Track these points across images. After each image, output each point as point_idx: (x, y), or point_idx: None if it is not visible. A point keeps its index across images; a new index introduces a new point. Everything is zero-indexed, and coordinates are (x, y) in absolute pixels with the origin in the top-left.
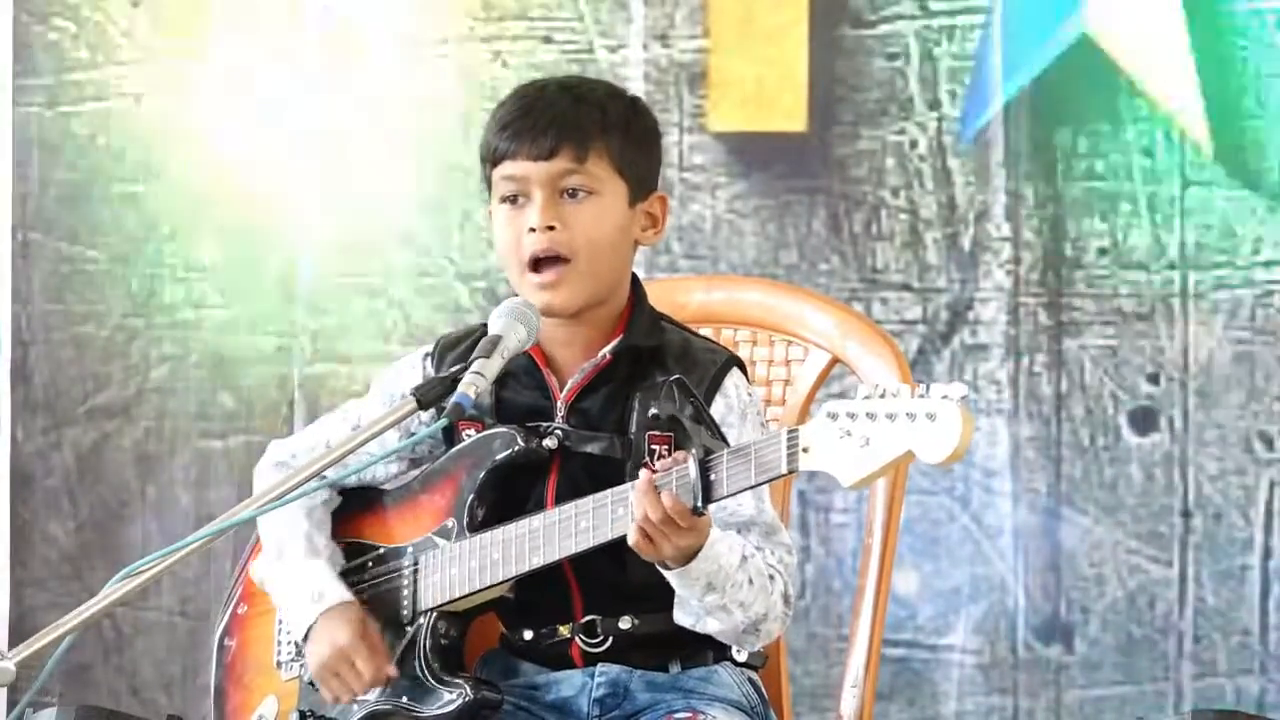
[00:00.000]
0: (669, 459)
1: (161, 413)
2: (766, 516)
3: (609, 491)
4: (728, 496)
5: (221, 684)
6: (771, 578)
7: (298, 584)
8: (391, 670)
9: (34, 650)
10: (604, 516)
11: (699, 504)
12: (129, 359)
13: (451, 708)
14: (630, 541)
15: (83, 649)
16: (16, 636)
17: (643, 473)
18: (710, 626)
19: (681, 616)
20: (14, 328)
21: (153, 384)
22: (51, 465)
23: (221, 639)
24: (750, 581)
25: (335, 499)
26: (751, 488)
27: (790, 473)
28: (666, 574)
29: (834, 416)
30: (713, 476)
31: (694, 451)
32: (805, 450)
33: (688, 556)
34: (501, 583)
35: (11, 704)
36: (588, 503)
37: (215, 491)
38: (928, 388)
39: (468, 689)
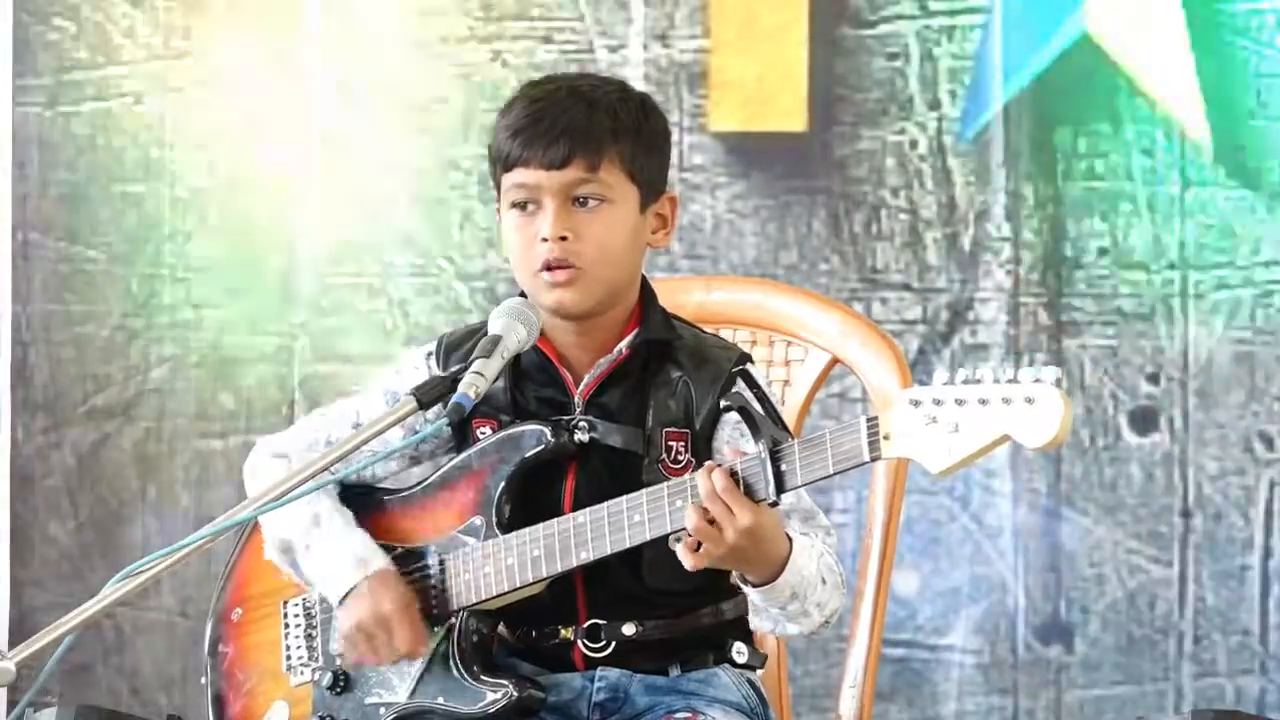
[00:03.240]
0: (732, 452)
1: (161, 413)
2: (805, 503)
3: (664, 484)
4: (803, 486)
5: (220, 691)
6: (830, 568)
7: (340, 549)
8: (422, 650)
9: (34, 650)
10: (660, 509)
11: (771, 493)
12: (129, 359)
13: (497, 707)
14: (690, 526)
15: (83, 649)
16: (16, 636)
17: (708, 463)
18: (789, 630)
19: (759, 624)
20: (14, 328)
21: (153, 384)
22: (51, 465)
23: (214, 645)
24: (824, 581)
25: (334, 487)
26: (829, 476)
27: (872, 460)
28: (748, 590)
29: (916, 403)
30: (784, 466)
31: (764, 442)
32: (886, 438)
33: (770, 567)
34: (542, 580)
35: (11, 704)
36: (640, 496)
37: (215, 491)
38: (1016, 373)
39: (512, 688)
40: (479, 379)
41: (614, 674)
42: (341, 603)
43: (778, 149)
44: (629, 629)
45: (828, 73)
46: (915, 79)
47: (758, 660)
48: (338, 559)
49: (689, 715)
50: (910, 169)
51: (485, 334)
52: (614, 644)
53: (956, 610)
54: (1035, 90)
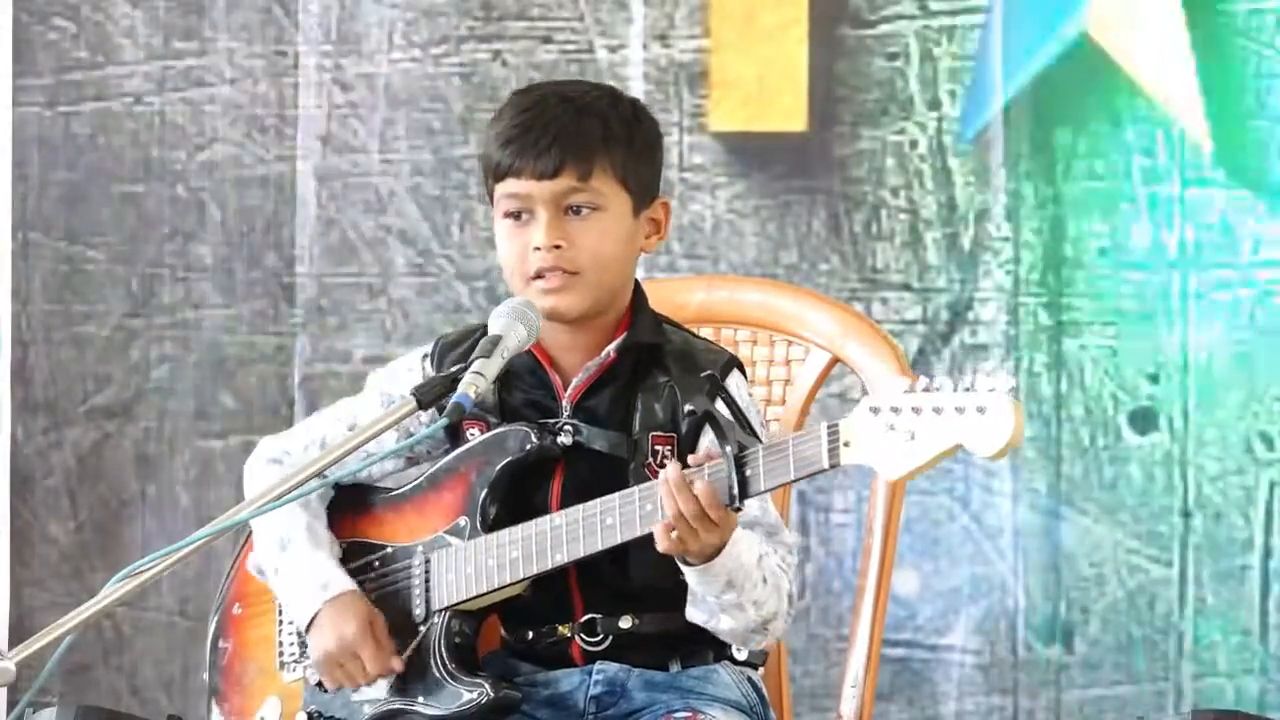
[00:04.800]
0: (702, 455)
1: (161, 413)
2: (770, 518)
3: (635, 488)
4: (765, 492)
5: (218, 686)
6: (773, 571)
7: (303, 574)
8: (397, 665)
9: (34, 650)
10: (631, 513)
11: (735, 499)
12: (129, 359)
13: (472, 706)
14: (657, 535)
15: (83, 649)
16: (16, 636)
17: (671, 466)
18: (723, 624)
19: (694, 614)
20: (14, 328)
21: (153, 384)
22: (51, 465)
23: (215, 641)
24: (764, 580)
25: (329, 492)
26: (791, 483)
27: (832, 467)
28: (686, 570)
29: (876, 410)
30: (749, 472)
31: (729, 447)
32: (846, 444)
33: (711, 554)
34: (520, 581)
35: (11, 704)
36: (614, 499)
37: (215, 491)
38: (973, 381)
39: (488, 687)
40: (479, 379)
41: (612, 668)
42: (308, 629)
43: (778, 149)
44: (625, 622)
45: (828, 73)
46: (915, 79)
47: (758, 657)
48: (300, 584)
49: (689, 715)
50: (910, 169)
51: (483, 334)
52: (611, 637)
53: (956, 610)
54: (1035, 90)
